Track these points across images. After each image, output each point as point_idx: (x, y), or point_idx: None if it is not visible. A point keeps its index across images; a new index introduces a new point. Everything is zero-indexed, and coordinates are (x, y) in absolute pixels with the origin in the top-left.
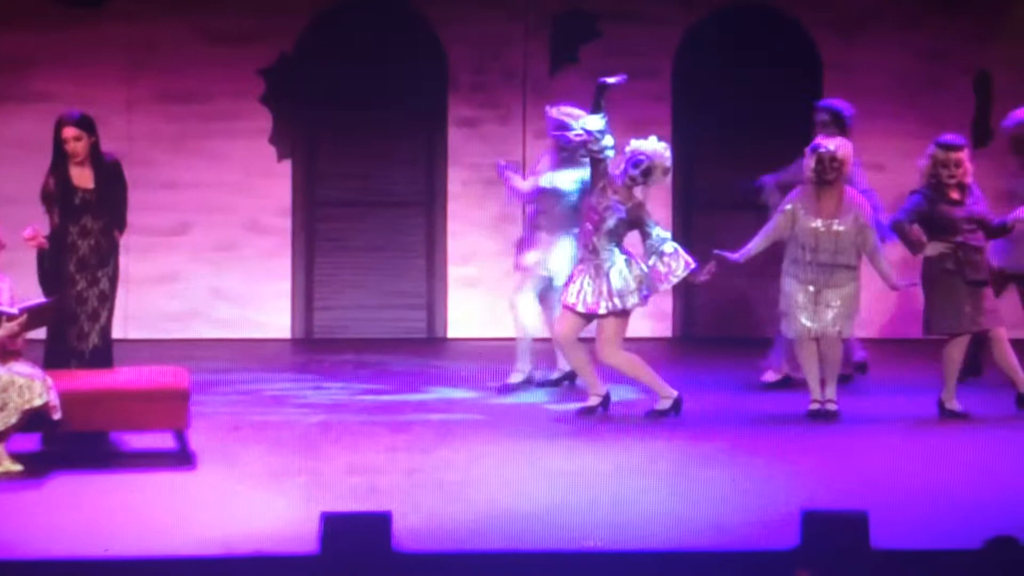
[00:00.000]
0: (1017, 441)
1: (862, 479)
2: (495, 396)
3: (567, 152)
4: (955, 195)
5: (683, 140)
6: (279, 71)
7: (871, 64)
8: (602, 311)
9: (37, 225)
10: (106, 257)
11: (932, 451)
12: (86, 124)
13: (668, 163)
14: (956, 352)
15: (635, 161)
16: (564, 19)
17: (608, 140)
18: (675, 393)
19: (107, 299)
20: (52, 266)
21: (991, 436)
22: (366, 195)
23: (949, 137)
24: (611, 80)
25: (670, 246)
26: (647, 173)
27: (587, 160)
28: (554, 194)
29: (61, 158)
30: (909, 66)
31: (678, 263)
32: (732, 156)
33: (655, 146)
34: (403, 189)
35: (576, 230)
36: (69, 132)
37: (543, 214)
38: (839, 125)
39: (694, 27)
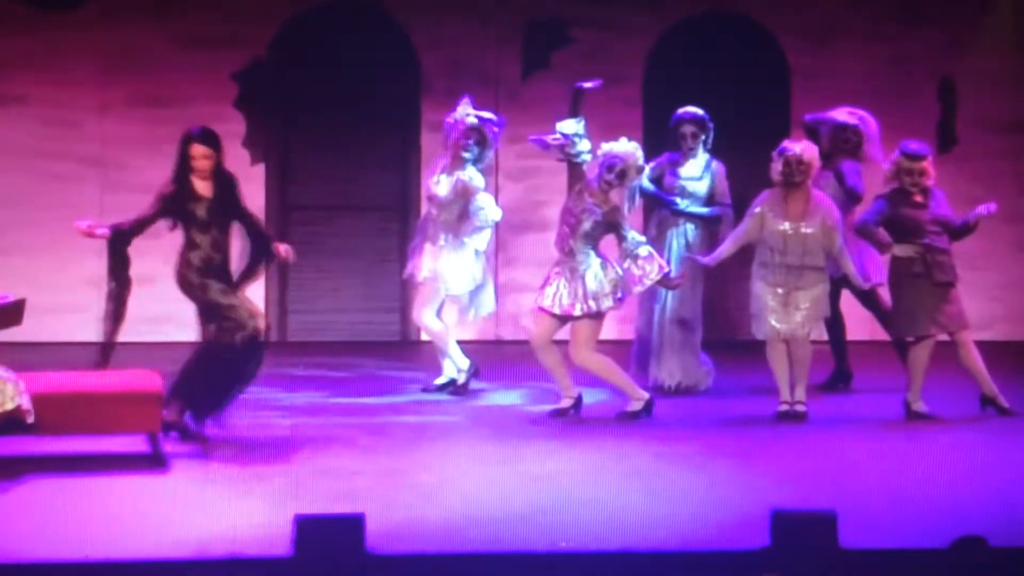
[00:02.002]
0: (982, 442)
1: (831, 479)
2: (469, 399)
3: (458, 158)
4: (918, 199)
5: (655, 145)
6: (252, 75)
7: (839, 71)
8: (577, 313)
9: (92, 221)
10: (228, 269)
11: (900, 452)
12: (214, 142)
13: (641, 162)
14: (922, 354)
15: (609, 164)
16: (537, 25)
17: (585, 144)
18: (646, 395)
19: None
20: (116, 261)
21: (958, 437)
22: (340, 199)
23: (914, 146)
24: (587, 84)
25: (645, 249)
26: (622, 175)
27: (473, 165)
28: (434, 201)
29: (184, 171)
30: (875, 73)
31: (652, 266)
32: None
33: (627, 147)
34: (377, 193)
35: (464, 238)
36: (198, 150)
37: (428, 221)
38: (705, 133)
39: (665, 34)
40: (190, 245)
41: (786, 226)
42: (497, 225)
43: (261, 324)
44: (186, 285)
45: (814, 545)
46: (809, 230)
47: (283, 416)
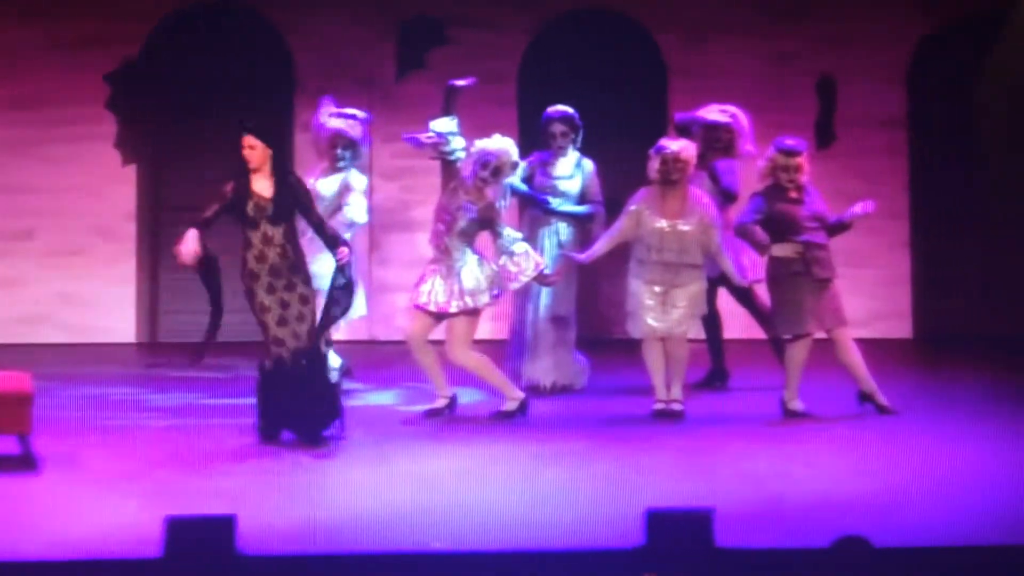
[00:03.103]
0: (861, 441)
1: (708, 479)
2: (343, 399)
3: (334, 165)
4: (794, 195)
5: (531, 144)
6: (125, 76)
7: (716, 69)
8: (453, 310)
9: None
10: (297, 265)
11: (778, 451)
12: (261, 133)
13: (516, 158)
14: (800, 352)
15: (483, 161)
16: (411, 25)
17: (459, 142)
18: (522, 395)
19: (308, 302)
20: (206, 271)
21: (836, 435)
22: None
23: (790, 142)
24: (460, 83)
25: (520, 246)
26: (497, 172)
27: (347, 169)
28: (320, 201)
29: (244, 165)
30: (754, 71)
31: (528, 263)
32: (581, 150)
33: (500, 143)
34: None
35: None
36: (245, 140)
37: None
38: (575, 131)
39: (541, 32)
40: (245, 245)
41: (663, 224)
42: (371, 225)
43: (284, 352)
44: (244, 289)
45: (689, 544)
46: (686, 228)
47: (155, 417)
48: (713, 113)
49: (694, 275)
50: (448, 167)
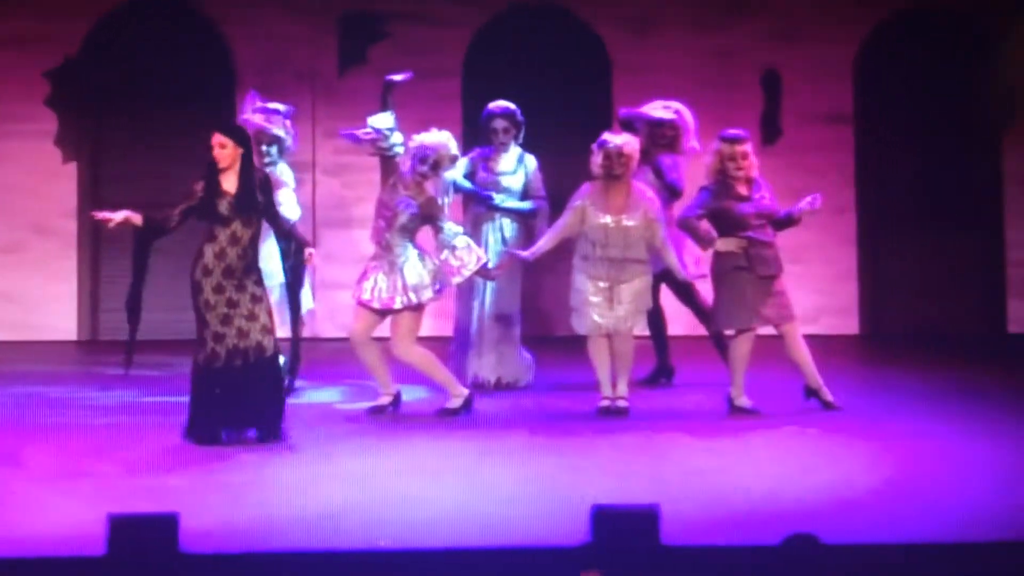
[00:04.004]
0: (808, 437)
1: (655, 476)
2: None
3: (260, 158)
4: (742, 190)
5: (475, 139)
6: (64, 73)
7: (661, 64)
8: (397, 306)
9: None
10: (252, 265)
11: (725, 448)
12: (234, 133)
13: (455, 151)
14: (744, 348)
15: (421, 155)
16: (352, 20)
17: (397, 137)
18: (466, 391)
19: (260, 301)
20: (138, 250)
21: (783, 432)
22: (154, 196)
23: (732, 131)
24: (397, 78)
25: (462, 240)
26: (436, 166)
27: (274, 165)
28: None
29: (214, 163)
30: (699, 66)
31: (470, 257)
32: (523, 146)
33: (438, 137)
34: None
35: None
36: (215, 139)
37: None
38: (517, 127)
39: (484, 27)
40: (209, 239)
41: (607, 219)
42: (312, 222)
43: (220, 350)
44: (191, 280)
45: (635, 541)
46: (631, 223)
47: (96, 415)
48: (657, 110)
49: (639, 270)
50: (387, 163)
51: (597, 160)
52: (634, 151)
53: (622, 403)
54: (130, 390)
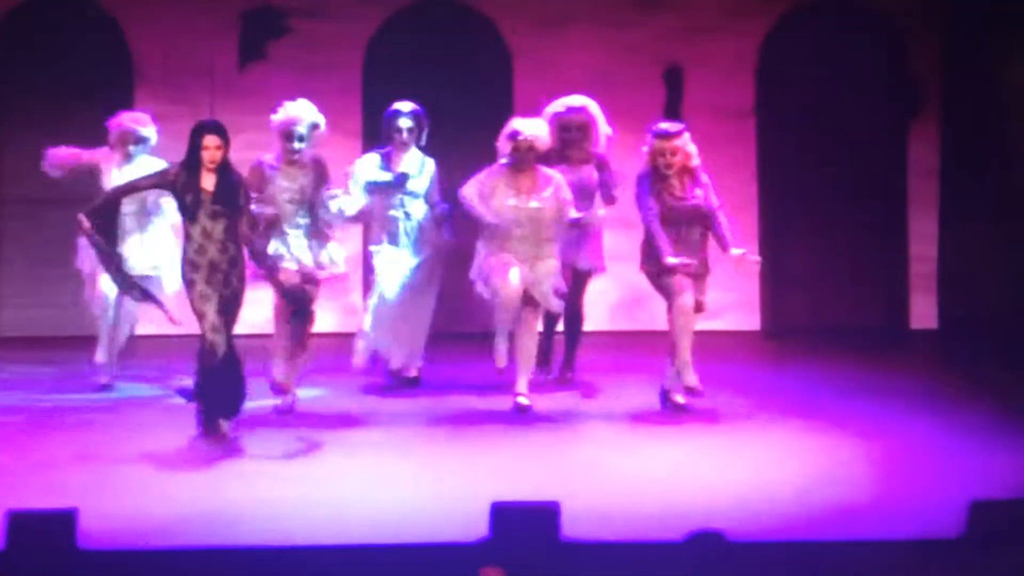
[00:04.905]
0: (715, 434)
1: (559, 473)
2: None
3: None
4: (676, 189)
5: (375, 134)
6: None
7: (564, 59)
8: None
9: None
10: (236, 260)
11: (631, 445)
12: (224, 134)
13: (318, 118)
14: (681, 318)
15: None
16: (253, 15)
17: None
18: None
19: (237, 296)
20: (102, 230)
21: (689, 429)
22: (52, 193)
23: (663, 125)
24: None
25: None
26: (300, 139)
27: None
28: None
29: (195, 161)
30: (602, 61)
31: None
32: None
33: (297, 108)
34: (89, 186)
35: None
36: (212, 141)
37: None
38: (421, 128)
39: (385, 23)
40: (185, 237)
41: (518, 201)
42: None
43: (219, 340)
44: (183, 281)
45: (535, 537)
46: (539, 204)
47: None
48: (560, 108)
49: (551, 250)
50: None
51: (506, 149)
52: (544, 143)
53: (524, 400)
54: (29, 388)
